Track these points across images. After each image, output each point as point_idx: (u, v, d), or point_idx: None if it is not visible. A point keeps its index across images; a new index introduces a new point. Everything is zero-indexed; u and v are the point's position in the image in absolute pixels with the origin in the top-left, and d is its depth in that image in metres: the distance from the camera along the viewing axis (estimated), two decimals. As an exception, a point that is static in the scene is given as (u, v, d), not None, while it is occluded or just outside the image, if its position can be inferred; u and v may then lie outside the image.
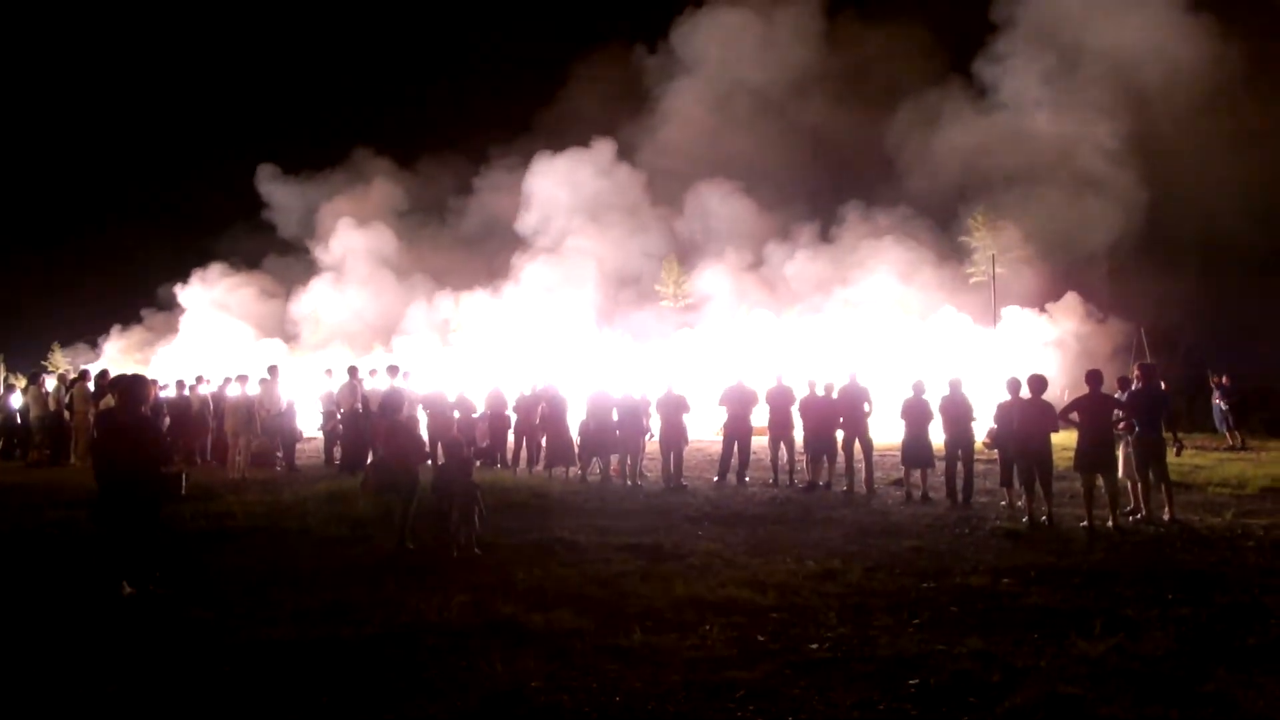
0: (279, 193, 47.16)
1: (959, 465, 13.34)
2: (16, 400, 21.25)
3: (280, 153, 55.53)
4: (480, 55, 70.07)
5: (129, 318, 45.85)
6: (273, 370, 18.74)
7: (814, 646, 6.25)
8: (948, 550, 9.66)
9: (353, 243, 43.59)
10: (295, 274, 45.35)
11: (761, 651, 6.14)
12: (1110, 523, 10.93)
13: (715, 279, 37.21)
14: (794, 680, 5.61)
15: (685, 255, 40.21)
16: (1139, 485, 11.69)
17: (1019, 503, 12.14)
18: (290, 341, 41.93)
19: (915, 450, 13.77)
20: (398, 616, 6.96)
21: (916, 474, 13.89)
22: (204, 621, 6.84)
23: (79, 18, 73.75)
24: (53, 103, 71.48)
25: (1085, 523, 10.96)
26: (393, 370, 17.70)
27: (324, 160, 49.90)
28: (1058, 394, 18.75)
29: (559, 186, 40.73)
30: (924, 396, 13.92)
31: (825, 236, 37.41)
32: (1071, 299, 31.09)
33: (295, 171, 47.69)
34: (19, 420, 20.85)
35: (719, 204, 39.99)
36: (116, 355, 42.55)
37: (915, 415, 13.83)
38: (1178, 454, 12.18)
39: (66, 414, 19.45)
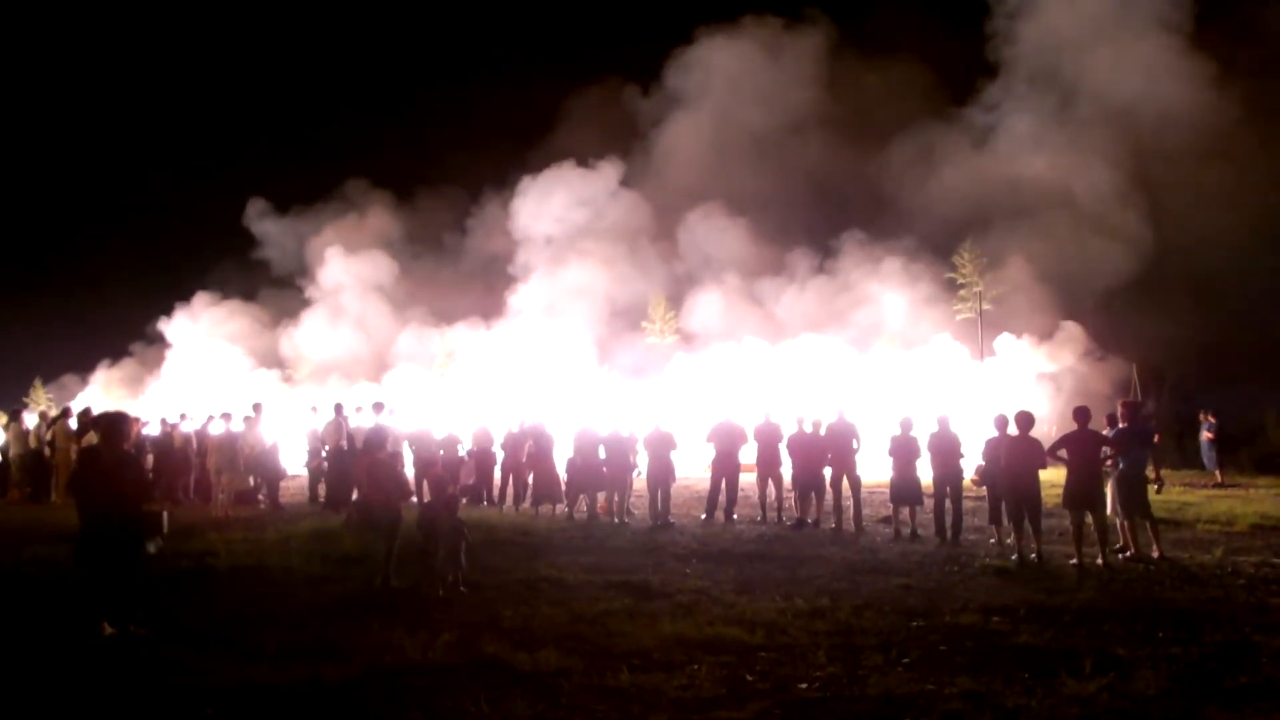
0: (270, 227, 47.27)
1: (947, 502, 13.35)
2: (-3, 438, 21.07)
3: (269, 185, 55.79)
4: (475, 89, 70.49)
5: (118, 352, 45.68)
6: (257, 408, 18.66)
7: (803, 686, 6.23)
8: (937, 588, 9.65)
9: (345, 273, 43.67)
10: (289, 307, 45.42)
11: (751, 691, 6.12)
12: (1100, 560, 10.94)
13: (708, 310, 37.36)
14: (783, 720, 5.59)
15: (680, 288, 40.47)
16: (1128, 523, 11.73)
17: (1008, 540, 12.14)
18: (284, 373, 41.90)
19: (904, 487, 13.79)
20: (382, 656, 6.90)
21: (905, 511, 13.89)
22: (185, 662, 6.77)
23: (68, 48, 74.04)
24: (38, 134, 71.54)
25: (1075, 560, 10.98)
26: (378, 407, 17.69)
27: (314, 193, 49.93)
28: (1045, 431, 18.85)
29: (552, 212, 40.99)
30: (912, 434, 13.96)
31: (822, 269, 37.66)
32: (1073, 329, 31.21)
33: (286, 205, 47.83)
34: (-1, 458, 20.68)
35: (714, 234, 40.26)
36: (103, 391, 42.34)
37: (904, 452, 13.87)
38: (1158, 491, 12.25)
39: (48, 451, 19.30)
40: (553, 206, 41.16)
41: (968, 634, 7.60)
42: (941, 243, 35.52)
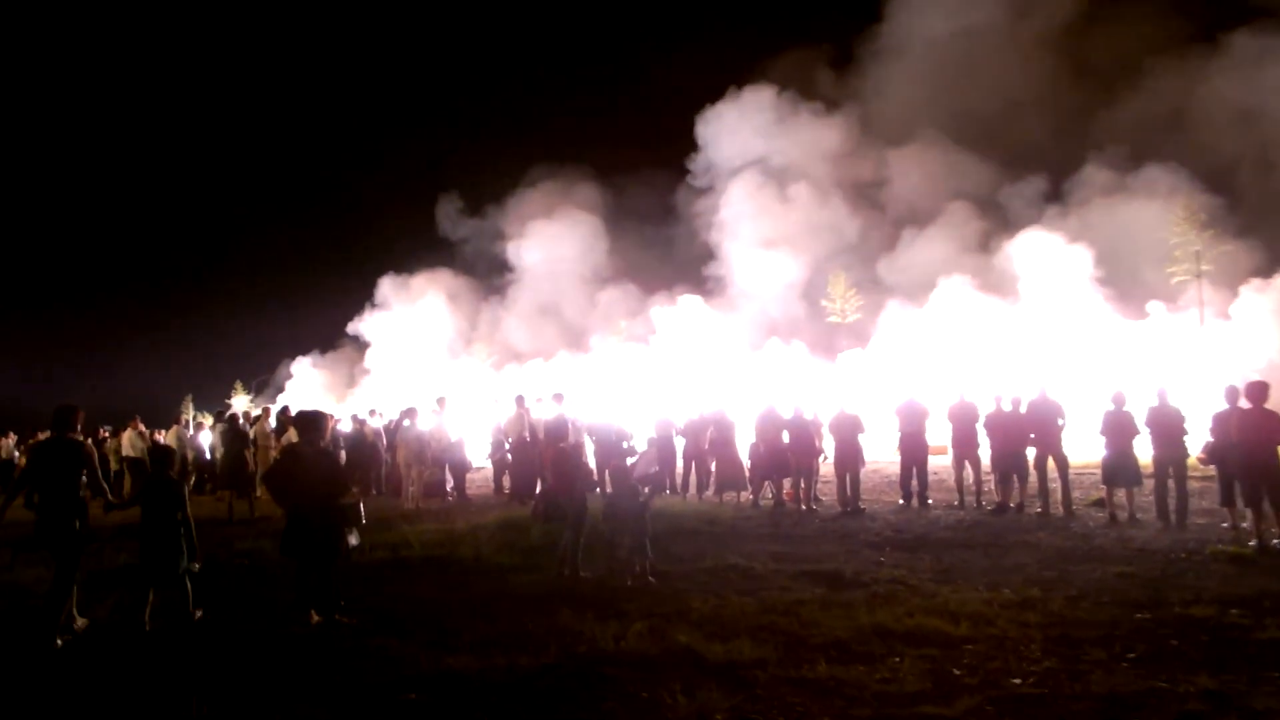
0: (464, 224, 49.81)
1: (1170, 483, 12.53)
2: (206, 438, 22.87)
3: (460, 181, 58.34)
4: (667, 63, 71.13)
5: (323, 348, 49.10)
6: (441, 402, 19.50)
7: (1017, 681, 5.97)
8: (1162, 577, 9.08)
9: (545, 246, 45.38)
10: (482, 290, 47.87)
11: (959, 685, 5.91)
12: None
13: (922, 256, 36.34)
14: (998, 717, 5.38)
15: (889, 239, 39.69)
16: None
17: (1244, 524, 11.29)
18: (488, 353, 44.00)
19: (1119, 467, 13.02)
20: (575, 646, 7.07)
21: (1121, 493, 13.15)
22: (388, 650, 7.14)
23: (260, 57, 79.57)
24: (235, 140, 77.14)
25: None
26: (558, 398, 18.14)
27: (504, 184, 52.05)
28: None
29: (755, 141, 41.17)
30: (1126, 408, 13.16)
31: (1056, 196, 35.70)
32: None
33: (477, 204, 50.23)
34: (207, 457, 22.43)
35: (930, 173, 39.49)
36: (312, 390, 45.47)
37: (1118, 429, 13.09)
38: None
39: (249, 450, 20.75)
40: (756, 131, 41.27)
41: (1202, 628, 7.11)
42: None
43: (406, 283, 48.06)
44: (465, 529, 13.65)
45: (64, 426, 8.12)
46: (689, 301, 40.81)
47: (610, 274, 46.64)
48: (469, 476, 20.14)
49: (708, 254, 43.83)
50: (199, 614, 8.37)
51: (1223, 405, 11.47)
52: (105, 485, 8.88)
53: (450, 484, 19.14)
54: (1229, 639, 6.79)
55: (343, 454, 19.49)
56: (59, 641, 7.65)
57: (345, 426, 21.23)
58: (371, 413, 21.88)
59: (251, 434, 20.85)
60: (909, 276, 36.70)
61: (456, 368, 43.29)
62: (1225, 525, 11.84)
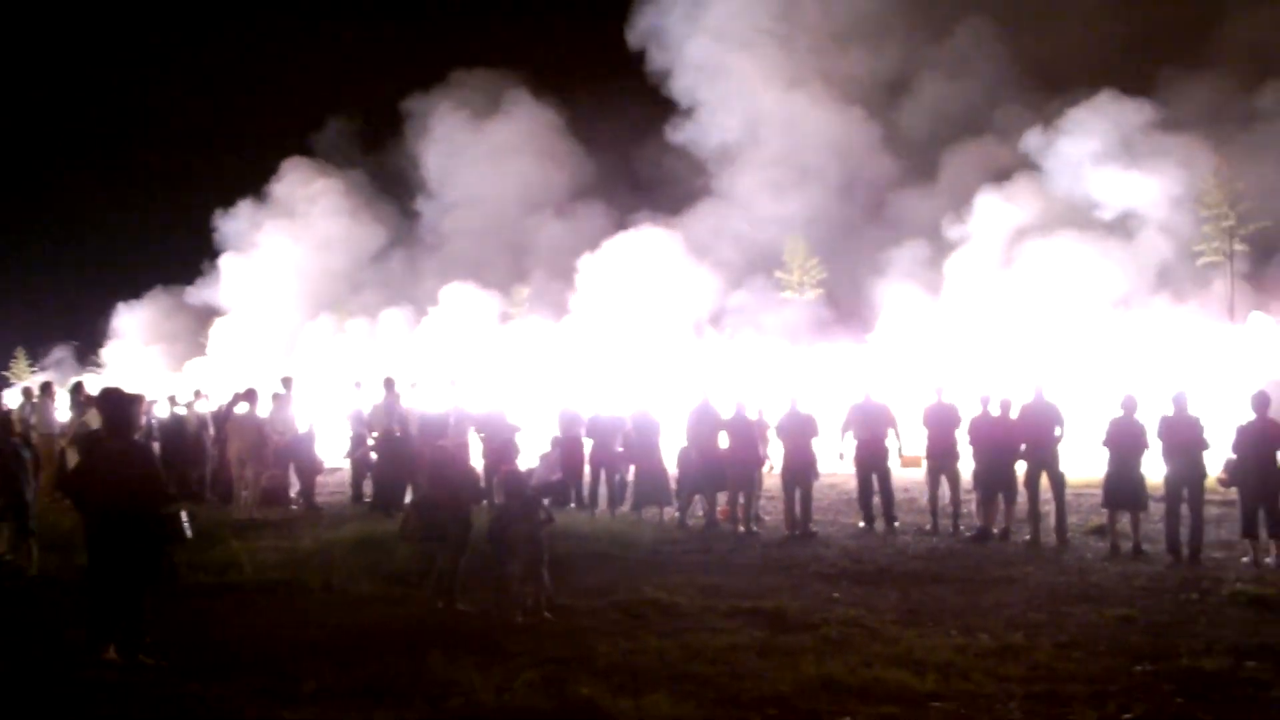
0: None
1: (1184, 508, 12.96)
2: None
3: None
4: None
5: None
6: (287, 383, 19.21)
7: (990, 747, 6.15)
8: (1169, 622, 9.40)
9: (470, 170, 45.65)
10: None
11: (920, 752, 6.07)
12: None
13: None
14: (964, 791, 5.53)
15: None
16: None
17: (1268, 559, 11.75)
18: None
19: (1124, 487, 13.41)
20: (446, 698, 7.06)
21: (1125, 519, 13.55)
22: (205, 700, 7.04)
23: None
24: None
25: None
26: (441, 383, 17.99)
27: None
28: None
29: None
30: (1136, 417, 13.56)
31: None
32: None
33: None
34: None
35: None
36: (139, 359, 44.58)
37: (1125, 442, 13.48)
38: None
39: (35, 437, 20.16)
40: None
41: (1212, 683, 7.39)
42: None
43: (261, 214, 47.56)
44: (313, 547, 13.50)
45: None
46: (647, 238, 40.33)
47: (554, 210, 46.46)
48: (320, 480, 19.90)
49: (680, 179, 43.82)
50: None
51: (1250, 416, 11.91)
52: None
53: (296, 489, 18.90)
54: (1243, 696, 7.09)
55: (157, 446, 19.12)
56: None
57: (163, 411, 20.82)
58: (197, 395, 21.44)
59: (32, 417, 20.17)
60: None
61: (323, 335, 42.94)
62: (1246, 560, 12.30)
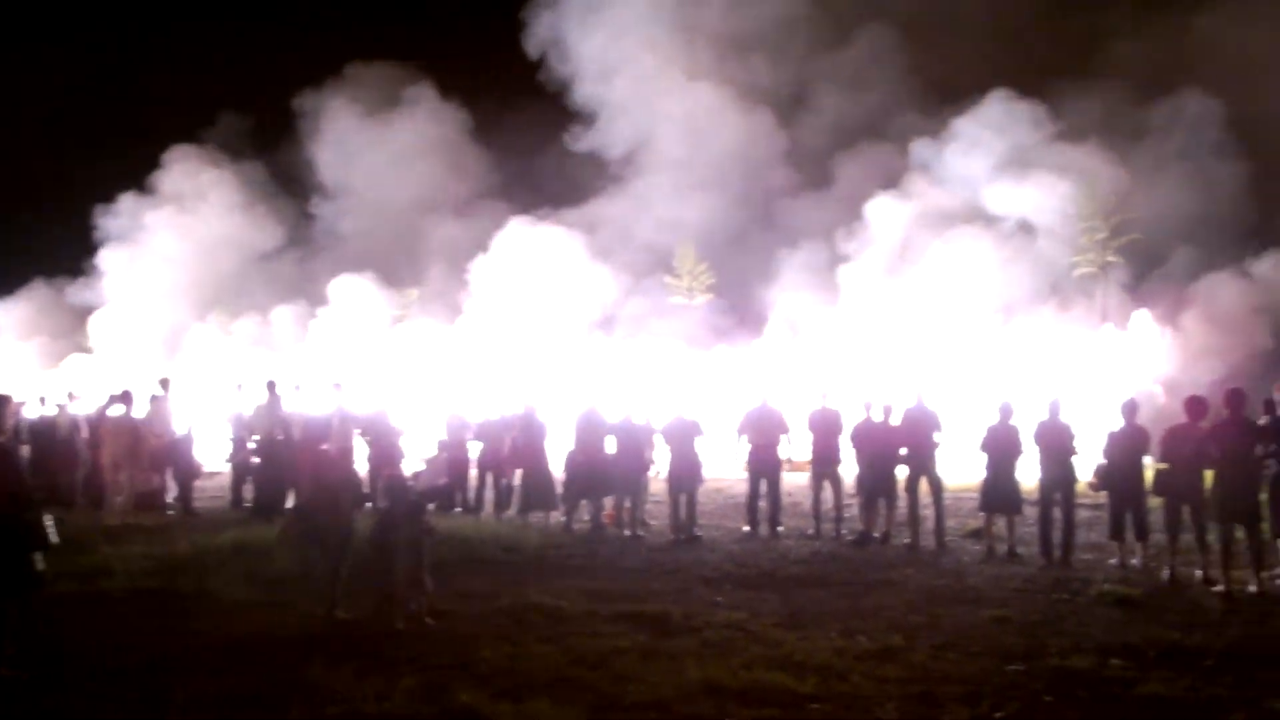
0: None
1: (1056, 511, 13.32)
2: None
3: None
4: None
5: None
6: (164, 384, 18.78)
7: (867, 748, 6.25)
8: (1041, 622, 9.66)
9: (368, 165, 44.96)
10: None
11: (798, 754, 6.15)
12: (1253, 587, 10.93)
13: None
14: (840, 792, 5.62)
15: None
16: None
17: (1133, 560, 12.14)
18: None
19: (999, 492, 13.74)
20: (324, 707, 6.97)
21: (1001, 522, 13.87)
22: (70, 712, 6.86)
23: None
24: None
25: (1220, 587, 10.97)
26: (325, 385, 17.75)
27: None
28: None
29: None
30: (1012, 423, 13.89)
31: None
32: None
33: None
34: None
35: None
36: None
37: (1001, 447, 13.80)
38: None
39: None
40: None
41: (1080, 681, 7.62)
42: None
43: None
44: (189, 553, 13.23)
45: None
46: (540, 235, 39.97)
47: (454, 210, 45.96)
48: (199, 484, 19.48)
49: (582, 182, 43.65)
50: None
51: (1120, 423, 12.30)
52: None
53: (172, 493, 18.47)
54: (1109, 694, 7.31)
55: (26, 449, 18.53)
56: None
57: (33, 412, 20.20)
58: (70, 396, 20.85)
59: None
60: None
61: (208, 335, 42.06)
62: (1113, 562, 12.68)
